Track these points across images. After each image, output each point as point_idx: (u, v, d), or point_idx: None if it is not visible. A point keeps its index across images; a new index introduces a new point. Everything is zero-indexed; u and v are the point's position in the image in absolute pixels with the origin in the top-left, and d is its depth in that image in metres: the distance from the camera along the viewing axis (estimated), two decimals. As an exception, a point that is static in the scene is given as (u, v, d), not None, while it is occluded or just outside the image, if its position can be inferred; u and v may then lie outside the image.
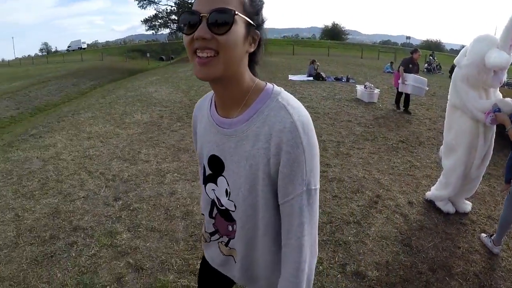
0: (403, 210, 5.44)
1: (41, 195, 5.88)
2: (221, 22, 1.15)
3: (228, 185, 1.42)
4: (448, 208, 5.41)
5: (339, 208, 5.36)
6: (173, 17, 48.48)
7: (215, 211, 1.61)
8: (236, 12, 1.16)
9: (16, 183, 6.35)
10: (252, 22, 1.23)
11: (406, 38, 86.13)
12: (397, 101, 12.37)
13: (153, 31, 48.12)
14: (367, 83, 14.25)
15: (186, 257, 4.19)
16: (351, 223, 4.97)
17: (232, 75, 1.25)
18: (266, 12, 1.36)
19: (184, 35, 1.21)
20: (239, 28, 1.18)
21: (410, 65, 11.90)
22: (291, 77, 19.06)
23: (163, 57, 56.68)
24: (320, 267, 4.03)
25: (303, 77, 18.95)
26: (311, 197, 1.28)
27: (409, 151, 8.23)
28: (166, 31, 52.12)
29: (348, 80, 18.57)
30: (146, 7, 46.74)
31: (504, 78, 4.91)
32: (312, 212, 1.31)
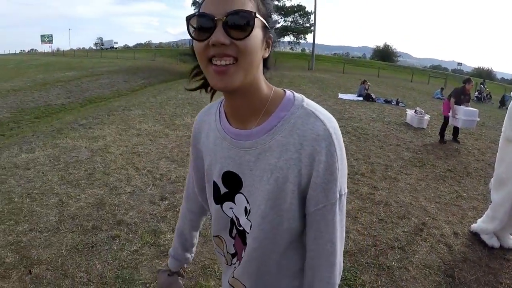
0: (448, 240, 5.42)
1: (87, 184, 6.17)
2: (241, 25, 1.05)
3: (248, 202, 1.27)
4: (493, 242, 5.37)
5: (384, 232, 5.39)
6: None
7: (234, 230, 1.42)
8: (256, 14, 1.06)
9: (63, 170, 6.69)
10: (267, 25, 1.14)
11: (457, 65, 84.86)
12: (442, 132, 11.86)
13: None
14: (417, 108, 14.17)
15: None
16: (396, 248, 5.00)
17: (250, 83, 1.14)
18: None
19: (195, 41, 1.09)
20: (257, 32, 1.08)
21: (462, 96, 11.54)
22: (341, 95, 19.13)
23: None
24: (363, 289, 4.08)
25: (353, 97, 19.01)
26: (342, 202, 1.20)
27: (456, 180, 8.15)
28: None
29: (397, 103, 18.51)
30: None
31: None
32: (342, 217, 1.24)
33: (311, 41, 51.51)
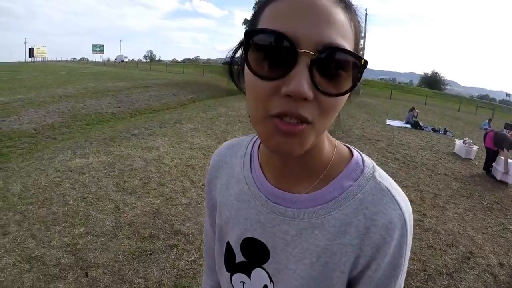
0: (494, 270, 5.61)
1: (143, 193, 6.46)
2: (339, 74, 0.70)
3: (272, 281, 0.97)
4: None
5: (433, 258, 5.62)
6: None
7: None
8: (363, 58, 0.72)
9: (118, 177, 7.04)
10: (366, 62, 0.72)
11: (506, 95, 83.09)
12: (487, 166, 11.54)
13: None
14: (466, 139, 14.20)
15: None
16: (444, 274, 5.23)
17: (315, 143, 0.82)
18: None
19: (254, 77, 0.70)
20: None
21: None
22: (389, 121, 19.24)
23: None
24: (412, 310, 4.36)
25: (401, 123, 19.11)
26: None
27: (503, 213, 8.24)
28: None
29: (445, 132, 18.48)
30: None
31: None
32: None
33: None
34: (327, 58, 0.67)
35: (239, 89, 0.89)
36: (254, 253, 0.98)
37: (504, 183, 10.67)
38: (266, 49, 0.68)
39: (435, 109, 35.16)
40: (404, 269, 0.88)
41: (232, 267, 1.05)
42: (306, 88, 0.65)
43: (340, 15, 0.70)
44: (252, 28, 0.73)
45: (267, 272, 0.97)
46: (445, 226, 6.87)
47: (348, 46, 0.70)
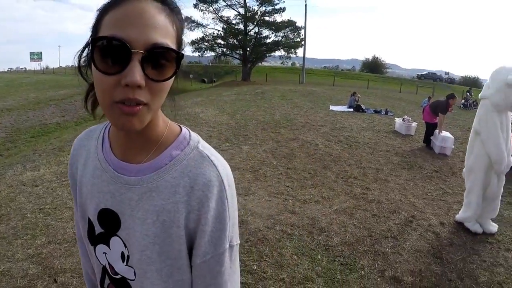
0: (435, 229, 6.06)
1: None
2: (163, 64, 0.92)
3: (126, 247, 1.12)
4: (476, 228, 6.03)
5: (378, 225, 6.01)
6: (219, 41, 49.39)
7: (107, 280, 1.24)
8: (181, 51, 0.98)
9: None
10: (182, 54, 0.97)
11: (445, 74, 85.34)
12: (427, 139, 12.42)
13: (199, 53, 48.97)
14: (405, 117, 14.79)
15: (241, 258, 4.64)
16: (389, 238, 5.62)
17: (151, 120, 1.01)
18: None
19: (99, 73, 0.89)
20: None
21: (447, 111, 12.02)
22: (332, 107, 19.56)
23: (205, 79, 57.31)
24: (362, 271, 4.70)
25: (343, 108, 19.50)
26: (233, 254, 1.12)
27: (442, 179, 8.80)
28: (211, 54, 53.08)
29: (386, 113, 19.09)
30: (194, 29, 47.87)
31: None
32: (235, 269, 1.15)
33: (301, 55, 52.04)
34: (153, 55, 0.89)
35: (88, 83, 1.11)
36: (109, 223, 1.12)
37: (442, 154, 11.29)
38: (107, 51, 0.87)
39: (377, 92, 35.78)
40: (231, 222, 1.07)
41: (94, 239, 1.18)
42: (138, 78, 0.85)
43: (163, 19, 0.92)
44: (95, 35, 0.93)
45: (121, 239, 1.11)
46: (388, 196, 7.30)
47: (171, 43, 0.93)
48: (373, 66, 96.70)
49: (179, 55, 0.94)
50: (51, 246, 4.91)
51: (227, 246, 1.08)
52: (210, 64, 74.61)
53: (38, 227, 5.37)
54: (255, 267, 4.56)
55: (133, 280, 1.13)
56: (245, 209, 6.17)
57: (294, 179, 7.76)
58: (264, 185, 7.29)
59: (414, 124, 14.15)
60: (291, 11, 56.17)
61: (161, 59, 0.91)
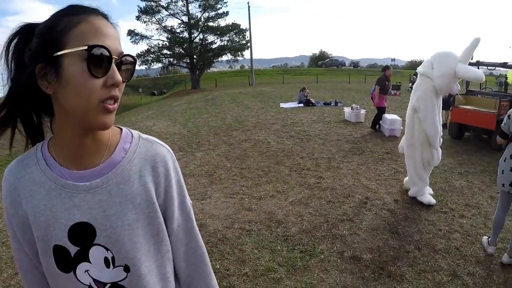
0: (390, 206, 6.24)
1: None
2: (128, 68, 1.12)
3: (108, 249, 1.14)
4: (428, 199, 6.30)
5: (333, 210, 6.12)
6: (165, 51, 48.95)
7: None
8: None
9: None
10: (136, 59, 1.19)
11: (391, 60, 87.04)
12: (375, 124, 12.83)
13: (146, 66, 48.38)
14: (353, 105, 15.11)
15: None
16: (345, 221, 5.74)
17: None
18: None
19: (90, 77, 0.99)
20: None
21: (386, 82, 12.52)
22: (282, 104, 19.67)
23: (155, 91, 56.78)
24: (322, 255, 4.80)
25: (294, 104, 19.65)
26: (191, 210, 1.37)
27: (393, 160, 9.03)
28: (158, 65, 52.67)
29: (336, 103, 19.38)
30: (138, 42, 47.33)
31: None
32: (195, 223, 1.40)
33: (249, 57, 52.05)
34: (123, 60, 1.08)
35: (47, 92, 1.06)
36: (83, 236, 1.12)
37: (392, 136, 11.57)
38: (98, 57, 1.00)
39: (327, 85, 35.94)
40: (184, 185, 1.34)
41: (70, 264, 1.14)
42: (120, 78, 1.04)
43: (116, 33, 1.10)
44: (58, 47, 0.99)
45: (100, 245, 1.13)
46: (341, 182, 7.44)
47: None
48: (321, 60, 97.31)
49: (135, 60, 1.15)
50: (18, 277, 4.71)
51: (189, 204, 1.35)
52: (159, 76, 74.25)
53: (2, 260, 5.15)
54: (218, 266, 4.59)
55: (125, 278, 1.18)
56: (203, 213, 6.16)
57: (249, 178, 7.79)
58: (220, 188, 7.29)
59: (363, 111, 14.45)
60: (235, 14, 56.23)
61: (127, 63, 1.10)
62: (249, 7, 48.90)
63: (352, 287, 4.20)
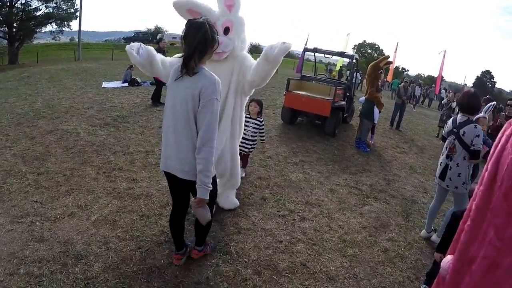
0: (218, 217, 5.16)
1: None
2: None
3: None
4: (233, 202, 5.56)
5: (147, 229, 4.85)
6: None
7: None
8: None
9: None
10: None
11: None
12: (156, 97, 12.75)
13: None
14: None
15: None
16: (163, 244, 4.55)
17: None
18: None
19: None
20: None
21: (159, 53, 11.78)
22: (105, 84, 17.64)
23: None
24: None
25: (118, 84, 17.91)
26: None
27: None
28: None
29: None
30: None
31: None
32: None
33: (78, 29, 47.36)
34: None
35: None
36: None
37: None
38: None
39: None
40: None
41: None
42: None
43: None
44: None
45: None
46: (158, 186, 6.18)
47: None
48: (154, 34, 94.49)
49: None
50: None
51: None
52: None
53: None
54: None
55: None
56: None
57: (45, 189, 5.84)
58: (7, 208, 5.22)
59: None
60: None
61: None
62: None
63: None
